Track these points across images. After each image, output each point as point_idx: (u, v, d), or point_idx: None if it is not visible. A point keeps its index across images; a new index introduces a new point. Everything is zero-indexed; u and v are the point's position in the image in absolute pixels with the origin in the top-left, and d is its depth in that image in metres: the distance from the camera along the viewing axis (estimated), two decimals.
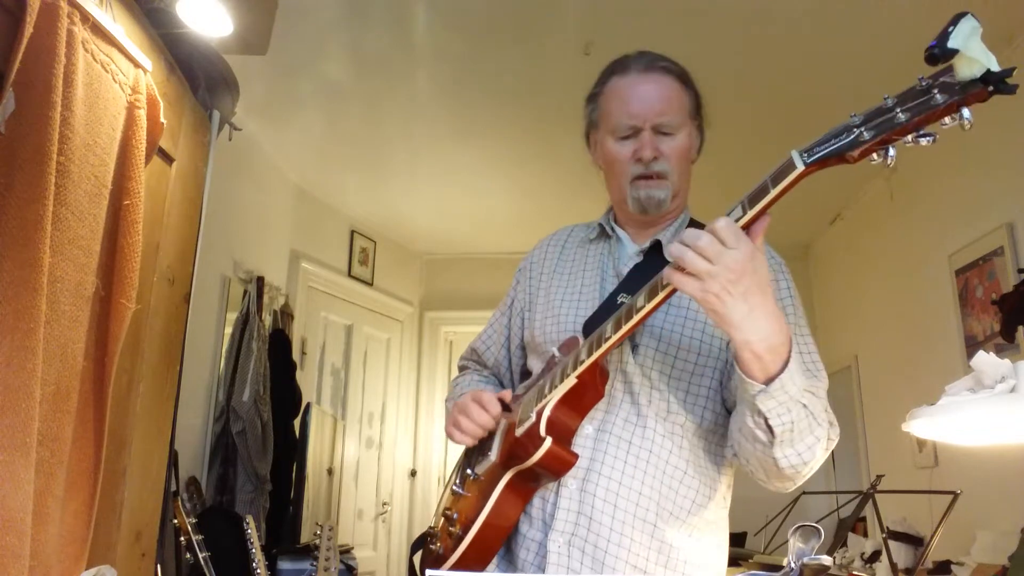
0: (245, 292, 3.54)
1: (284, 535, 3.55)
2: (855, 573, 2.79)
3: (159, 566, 1.80)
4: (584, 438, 1.22)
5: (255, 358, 3.36)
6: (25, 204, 1.13)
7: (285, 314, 3.99)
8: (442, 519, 1.32)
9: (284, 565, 3.30)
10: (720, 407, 1.25)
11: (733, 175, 2.57)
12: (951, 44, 0.75)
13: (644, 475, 1.20)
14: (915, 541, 2.92)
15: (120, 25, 1.45)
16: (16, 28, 1.13)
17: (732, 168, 2.77)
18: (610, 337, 1.09)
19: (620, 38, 2.93)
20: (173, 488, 2.05)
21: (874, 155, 0.87)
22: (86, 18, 1.29)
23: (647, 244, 1.33)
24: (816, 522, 0.85)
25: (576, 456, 1.18)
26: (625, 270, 1.32)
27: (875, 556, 3.12)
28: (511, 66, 3.10)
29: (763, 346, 0.98)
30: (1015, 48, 2.86)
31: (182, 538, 2.09)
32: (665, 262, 1.03)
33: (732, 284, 0.93)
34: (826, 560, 0.79)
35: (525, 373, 1.42)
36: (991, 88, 0.77)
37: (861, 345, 4.42)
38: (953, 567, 2.73)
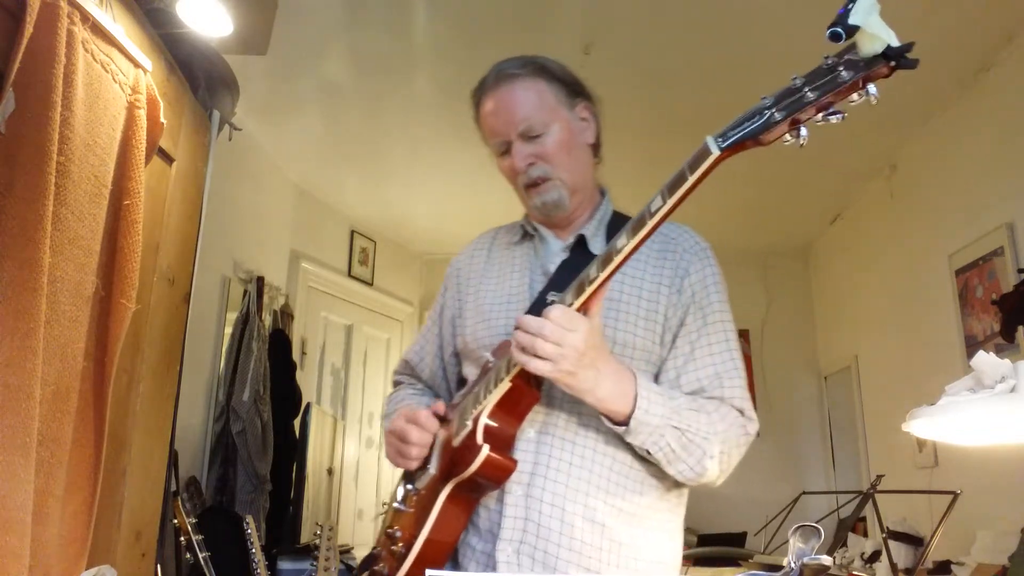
0: (245, 292, 3.54)
1: (284, 535, 3.54)
2: (855, 573, 2.79)
3: (159, 566, 1.80)
4: (526, 442, 1.20)
5: (255, 358, 3.36)
6: (25, 204, 1.13)
7: (285, 314, 3.99)
8: (385, 538, 1.29)
9: (284, 565, 3.30)
10: None
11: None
12: (852, 21, 0.77)
13: (590, 475, 1.19)
14: (915, 541, 2.92)
15: (120, 25, 1.45)
16: (16, 28, 1.13)
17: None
18: None
19: (620, 38, 2.93)
20: (173, 488, 2.05)
21: (787, 136, 0.87)
22: (86, 18, 1.29)
23: (571, 240, 1.33)
24: (816, 522, 0.85)
25: (515, 462, 1.16)
26: (552, 268, 1.32)
27: (875, 556, 3.12)
28: None
29: (614, 398, 1.11)
30: (1015, 48, 2.86)
31: (182, 538, 2.09)
32: (592, 257, 1.13)
33: (578, 361, 1.05)
34: (826, 560, 0.78)
35: (462, 381, 1.40)
36: (893, 63, 0.79)
37: (861, 345, 4.42)
38: (953, 567, 2.73)
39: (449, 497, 1.18)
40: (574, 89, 1.34)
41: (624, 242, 1.01)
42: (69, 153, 1.23)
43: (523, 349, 1.06)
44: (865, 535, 3.80)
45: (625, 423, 1.12)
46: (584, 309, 1.07)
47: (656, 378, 1.25)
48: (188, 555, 2.06)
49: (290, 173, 4.21)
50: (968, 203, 3.19)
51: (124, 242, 1.42)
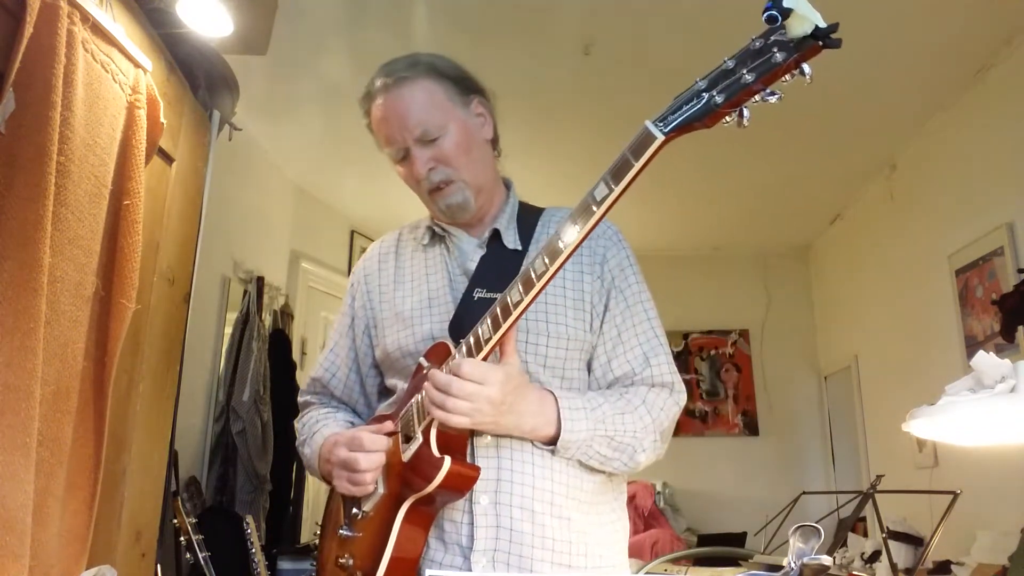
0: (245, 292, 3.54)
1: (284, 535, 3.55)
2: (855, 573, 2.79)
3: (159, 566, 1.80)
4: (485, 448, 1.18)
5: (255, 358, 3.36)
6: (25, 204, 1.13)
7: (285, 314, 3.99)
8: (337, 570, 1.22)
9: (284, 565, 3.30)
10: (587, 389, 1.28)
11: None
12: (787, 3, 0.80)
13: (552, 472, 1.18)
14: (915, 541, 2.92)
15: (120, 25, 1.45)
16: (16, 28, 1.13)
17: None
18: (491, 337, 1.07)
19: (620, 38, 2.93)
20: (173, 488, 2.05)
21: (727, 118, 0.89)
22: (86, 18, 1.29)
23: (486, 235, 1.31)
24: (816, 522, 0.85)
25: (478, 469, 1.13)
26: (472, 265, 1.29)
27: (875, 556, 3.12)
28: (511, 66, 3.10)
29: (538, 428, 1.14)
30: (1015, 48, 2.86)
31: (182, 538, 2.09)
32: (510, 251, 1.17)
33: (495, 411, 1.08)
34: (826, 560, 0.78)
35: (384, 392, 1.36)
36: (821, 43, 0.81)
37: (861, 345, 4.42)
38: (953, 567, 2.74)
39: (407, 515, 1.13)
40: (466, 85, 1.31)
41: (572, 234, 0.99)
42: (69, 153, 1.22)
43: (437, 405, 1.07)
44: (865, 535, 3.80)
45: (553, 442, 1.15)
46: (502, 339, 1.07)
47: (588, 365, 1.27)
48: (188, 555, 2.06)
49: (290, 173, 4.21)
50: (968, 203, 3.19)
51: (124, 242, 1.42)
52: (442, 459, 1.09)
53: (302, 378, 4.00)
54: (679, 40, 2.95)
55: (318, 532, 2.38)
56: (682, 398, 1.27)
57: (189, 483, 2.97)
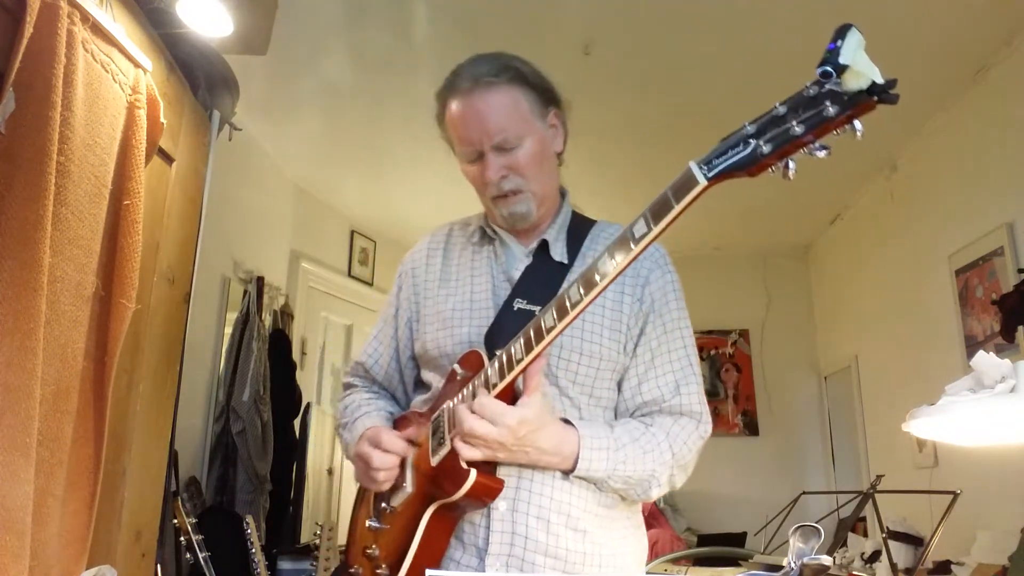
0: (245, 292, 3.54)
1: (284, 535, 3.55)
2: (855, 573, 2.79)
3: (159, 566, 1.80)
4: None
5: (255, 358, 3.36)
6: (25, 204, 1.13)
7: (285, 314, 3.99)
8: (363, 559, 1.26)
9: (284, 565, 3.31)
10: (615, 409, 1.29)
11: None
12: (843, 60, 0.77)
13: (571, 485, 1.20)
14: (915, 541, 2.92)
15: (120, 25, 1.45)
16: (16, 28, 1.13)
17: None
18: (523, 359, 1.08)
19: (620, 38, 2.93)
20: (173, 488, 2.05)
21: (772, 167, 0.86)
22: (86, 18, 1.29)
23: (534, 245, 1.32)
24: (816, 522, 0.85)
25: (502, 482, 1.16)
26: (516, 274, 1.30)
27: (875, 556, 3.12)
28: None
29: (555, 464, 1.17)
30: (1014, 48, 2.86)
31: (182, 538, 2.09)
32: (556, 263, 1.18)
33: (507, 450, 1.11)
34: (826, 560, 0.78)
35: (420, 384, 1.38)
36: (876, 99, 0.78)
37: (861, 345, 4.42)
38: (953, 567, 2.73)
39: (433, 517, 1.17)
40: (547, 96, 1.31)
41: (610, 267, 0.99)
42: (69, 153, 1.22)
43: (456, 434, 1.12)
44: (865, 535, 3.80)
45: (571, 471, 1.18)
46: (524, 373, 1.09)
47: (619, 385, 1.28)
48: (188, 555, 2.06)
49: (290, 173, 4.21)
50: (968, 203, 3.19)
51: (124, 242, 1.42)
52: (468, 471, 1.12)
53: (302, 378, 4.00)
54: (679, 40, 2.95)
55: (318, 532, 2.39)
56: (707, 430, 1.27)
57: (189, 483, 2.97)
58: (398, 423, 1.34)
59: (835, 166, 4.02)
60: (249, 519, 2.29)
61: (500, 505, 1.19)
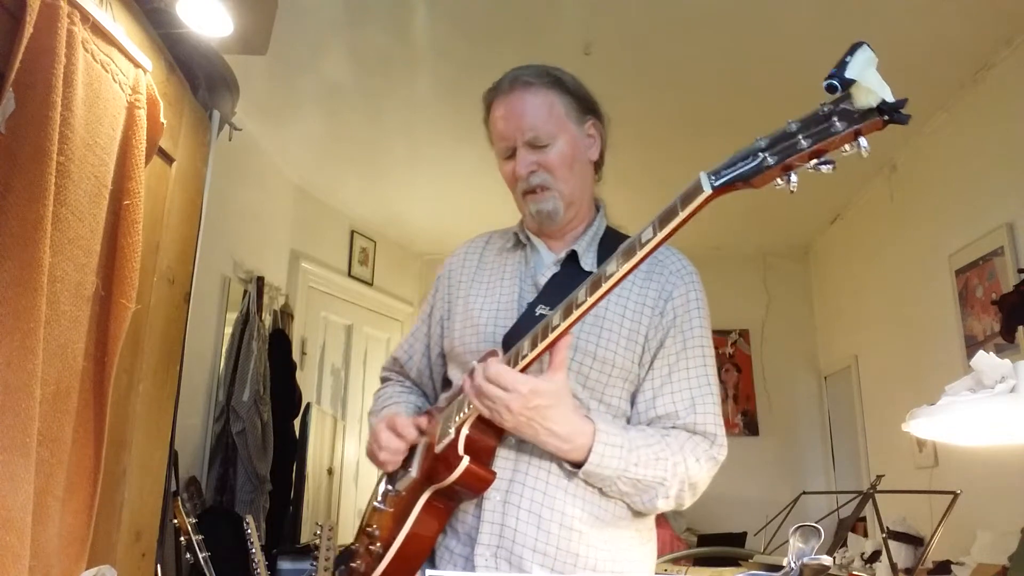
0: (245, 292, 3.54)
1: (284, 535, 3.55)
2: (855, 573, 2.79)
3: (159, 566, 1.80)
4: (507, 450, 1.23)
5: (255, 358, 3.36)
6: (25, 204, 1.13)
7: (285, 314, 3.99)
8: (364, 536, 1.31)
9: (284, 565, 3.30)
10: (626, 417, 1.29)
11: None
12: (848, 74, 0.78)
13: (568, 484, 1.21)
14: (915, 541, 2.92)
15: (120, 25, 1.45)
16: (16, 28, 1.13)
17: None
18: (527, 355, 1.11)
19: (620, 38, 2.93)
20: (173, 488, 2.05)
21: (778, 180, 0.88)
22: (86, 18, 1.29)
23: (563, 254, 1.34)
24: (816, 522, 0.85)
25: (494, 474, 1.19)
26: (543, 280, 1.33)
27: (875, 556, 3.12)
28: (511, 66, 3.09)
29: (563, 452, 1.16)
30: (1014, 48, 2.86)
31: (182, 538, 2.09)
32: (585, 273, 1.21)
33: (514, 419, 1.12)
34: (826, 560, 0.79)
35: (447, 382, 1.42)
36: (886, 117, 0.79)
37: (861, 345, 4.42)
38: (953, 567, 2.73)
39: (428, 502, 1.21)
40: (586, 105, 1.36)
41: (613, 269, 1.03)
42: (69, 153, 1.22)
43: (471, 393, 1.14)
44: (865, 535, 3.80)
45: (579, 465, 1.17)
46: (551, 348, 1.10)
47: (633, 397, 1.28)
48: (188, 555, 2.06)
49: (290, 173, 4.21)
50: (968, 203, 3.19)
51: (124, 242, 1.42)
52: (462, 457, 1.16)
53: (302, 378, 4.00)
54: (679, 41, 2.95)
55: (318, 532, 2.38)
56: (721, 454, 1.25)
57: (189, 483, 2.97)
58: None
59: (835, 166, 4.02)
60: (249, 519, 2.29)
61: (493, 496, 1.21)
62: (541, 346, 1.09)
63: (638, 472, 1.17)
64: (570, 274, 1.30)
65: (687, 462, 1.20)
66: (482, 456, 1.18)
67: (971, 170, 3.17)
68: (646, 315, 1.27)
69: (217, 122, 2.00)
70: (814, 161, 0.85)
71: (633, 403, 1.28)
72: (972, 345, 3.07)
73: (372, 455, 1.32)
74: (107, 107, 1.37)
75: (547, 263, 1.36)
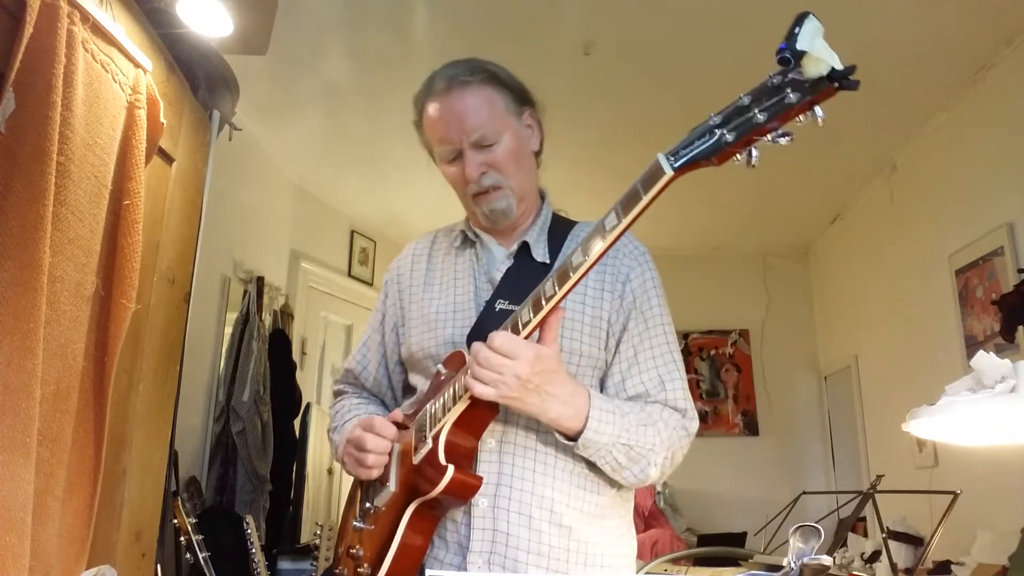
0: (245, 292, 3.54)
1: (284, 535, 3.55)
2: (855, 573, 2.79)
3: (159, 566, 1.80)
4: (488, 453, 1.21)
5: (255, 358, 3.36)
6: (25, 204, 1.13)
7: (285, 314, 3.99)
8: (347, 559, 1.26)
9: (284, 565, 3.31)
10: None
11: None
12: (800, 46, 0.78)
13: (553, 480, 1.20)
14: (915, 541, 2.92)
15: (120, 25, 1.45)
16: (16, 28, 1.13)
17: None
18: (529, 320, 1.08)
19: (620, 38, 2.93)
20: (173, 488, 2.04)
21: (737, 156, 0.88)
22: (86, 18, 1.29)
23: (515, 247, 1.33)
24: (816, 522, 0.85)
25: (480, 479, 1.16)
26: (498, 275, 1.32)
27: (875, 556, 3.12)
28: (511, 66, 3.09)
29: (564, 419, 1.14)
30: (1014, 48, 2.86)
31: (182, 538, 2.09)
32: (538, 264, 1.21)
33: (521, 387, 1.08)
34: (826, 560, 0.78)
35: (408, 389, 1.40)
36: (837, 84, 0.79)
37: (861, 345, 4.42)
38: (953, 567, 2.74)
39: (413, 516, 1.17)
40: (521, 96, 1.34)
41: (580, 259, 1.01)
42: (69, 153, 1.22)
43: (469, 374, 1.10)
44: (865, 535, 3.80)
45: (576, 438, 1.15)
46: (542, 325, 1.08)
47: (602, 382, 1.28)
48: (188, 555, 2.06)
49: (290, 173, 4.21)
50: (968, 203, 3.19)
51: (124, 242, 1.42)
52: (446, 467, 1.11)
53: (302, 378, 4.00)
54: (679, 41, 2.95)
55: (318, 532, 2.39)
56: (693, 425, 1.26)
57: (189, 483, 2.97)
58: None
59: (835, 166, 4.02)
60: (249, 519, 2.29)
61: (481, 502, 1.19)
62: (547, 307, 1.06)
63: (631, 438, 1.17)
64: (524, 266, 1.30)
65: (667, 430, 1.21)
66: (463, 461, 1.15)
67: (971, 170, 3.17)
68: (606, 300, 1.27)
69: (217, 122, 2.00)
70: (771, 134, 0.84)
71: (602, 388, 1.28)
72: (972, 345, 3.07)
73: (353, 466, 1.26)
74: (107, 107, 1.37)
75: (499, 258, 1.35)
